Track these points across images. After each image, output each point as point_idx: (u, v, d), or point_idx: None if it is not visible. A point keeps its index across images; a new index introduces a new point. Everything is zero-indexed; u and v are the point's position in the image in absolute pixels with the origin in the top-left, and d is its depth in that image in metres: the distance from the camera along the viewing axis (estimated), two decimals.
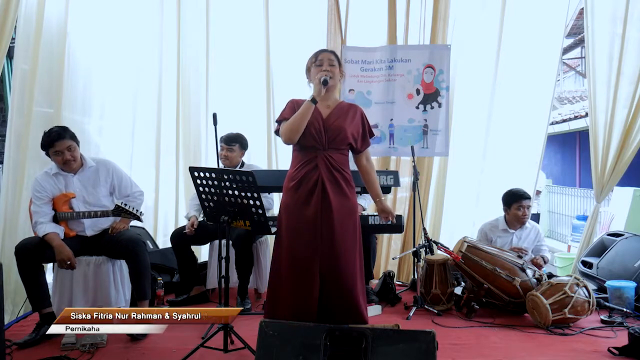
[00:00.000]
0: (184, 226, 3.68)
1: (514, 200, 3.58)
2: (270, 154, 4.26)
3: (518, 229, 3.69)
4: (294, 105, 2.51)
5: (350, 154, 2.58)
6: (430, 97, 4.10)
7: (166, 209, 4.31)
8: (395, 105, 4.11)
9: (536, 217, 8.01)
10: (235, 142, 3.59)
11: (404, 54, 4.09)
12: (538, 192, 5.81)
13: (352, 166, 2.60)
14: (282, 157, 4.23)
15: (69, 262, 2.79)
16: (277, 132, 2.57)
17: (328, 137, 2.45)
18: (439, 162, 4.29)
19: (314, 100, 2.38)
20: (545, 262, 3.64)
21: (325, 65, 2.47)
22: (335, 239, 2.40)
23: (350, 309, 2.42)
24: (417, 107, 4.10)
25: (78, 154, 2.97)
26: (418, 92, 4.10)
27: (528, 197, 3.65)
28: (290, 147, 2.57)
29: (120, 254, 2.98)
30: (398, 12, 4.16)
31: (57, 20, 3.69)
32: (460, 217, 4.36)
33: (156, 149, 4.22)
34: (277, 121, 2.57)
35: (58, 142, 2.86)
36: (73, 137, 2.94)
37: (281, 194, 3.98)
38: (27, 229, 3.29)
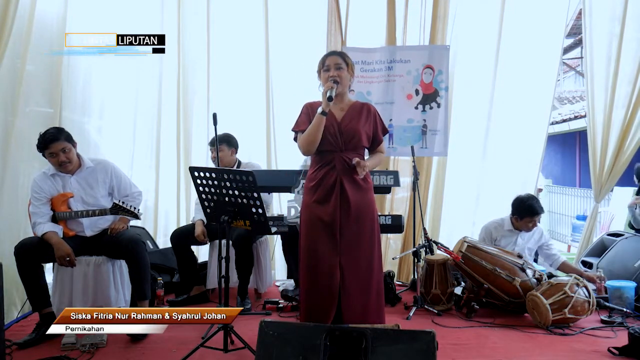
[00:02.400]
0: (185, 226, 3.68)
1: (528, 215, 3.54)
2: (269, 154, 4.27)
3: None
4: (308, 111, 2.55)
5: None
6: (430, 97, 4.10)
7: (166, 209, 4.31)
8: (395, 105, 4.11)
9: None
10: (220, 142, 3.54)
11: (403, 54, 4.09)
12: (540, 190, 5.79)
13: None
14: (282, 157, 4.24)
15: (68, 259, 2.79)
16: (295, 140, 2.61)
17: (344, 139, 2.49)
18: (437, 162, 4.30)
19: (324, 113, 2.41)
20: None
21: (332, 70, 2.49)
22: (352, 233, 2.45)
23: (363, 304, 2.46)
24: (416, 108, 4.10)
25: (74, 156, 2.95)
26: (417, 92, 4.10)
27: (542, 212, 3.60)
28: (293, 147, 2.62)
29: (120, 254, 2.98)
30: (397, 12, 4.16)
31: (56, 19, 3.68)
32: (459, 217, 4.36)
33: (156, 149, 4.22)
34: (293, 130, 2.61)
35: (52, 144, 2.84)
36: (69, 139, 2.92)
37: (281, 194, 4.07)
38: (17, 229, 3.30)
